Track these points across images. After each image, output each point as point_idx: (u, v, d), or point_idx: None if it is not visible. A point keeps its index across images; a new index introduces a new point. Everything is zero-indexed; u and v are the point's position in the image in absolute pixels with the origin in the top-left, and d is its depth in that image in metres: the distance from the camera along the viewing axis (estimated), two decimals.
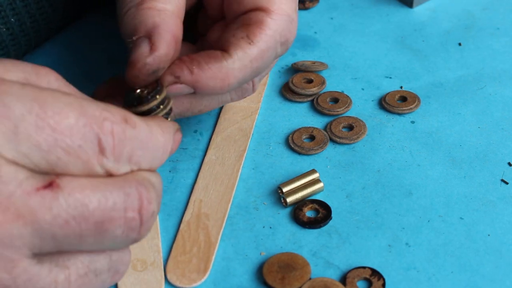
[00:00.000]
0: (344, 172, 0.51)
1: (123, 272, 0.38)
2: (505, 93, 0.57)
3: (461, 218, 0.48)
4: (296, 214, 0.48)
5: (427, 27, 0.64)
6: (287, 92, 0.57)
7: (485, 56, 0.61)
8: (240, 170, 0.51)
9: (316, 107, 0.56)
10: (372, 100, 0.57)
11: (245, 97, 0.50)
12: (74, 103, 0.34)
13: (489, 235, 0.47)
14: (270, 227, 0.48)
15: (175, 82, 0.43)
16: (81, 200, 0.34)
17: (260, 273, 0.45)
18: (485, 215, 0.48)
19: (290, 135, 0.54)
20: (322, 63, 0.60)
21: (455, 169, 0.51)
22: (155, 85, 0.43)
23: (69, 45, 0.62)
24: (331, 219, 0.48)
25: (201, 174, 0.51)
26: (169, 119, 0.42)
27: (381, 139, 0.54)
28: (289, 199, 0.49)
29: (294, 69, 0.59)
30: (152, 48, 0.43)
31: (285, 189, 0.49)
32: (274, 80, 0.59)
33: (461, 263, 0.45)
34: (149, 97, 0.41)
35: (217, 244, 0.46)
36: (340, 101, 0.56)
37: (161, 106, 0.42)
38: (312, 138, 0.54)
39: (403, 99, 0.56)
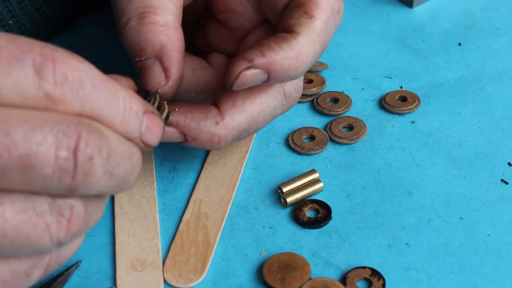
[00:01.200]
0: (344, 172, 0.51)
1: (71, 218, 0.36)
2: (505, 93, 0.57)
3: (461, 218, 0.48)
4: (296, 214, 0.48)
5: (427, 27, 0.64)
6: None
7: (485, 56, 0.61)
8: (241, 171, 0.51)
9: (316, 107, 0.56)
10: (372, 100, 0.57)
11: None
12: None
13: (489, 235, 0.47)
14: (270, 227, 0.48)
15: (249, 68, 0.43)
16: (4, 128, 0.33)
17: (260, 273, 0.45)
18: (485, 215, 0.48)
19: (290, 135, 0.54)
20: (322, 63, 0.60)
21: (455, 169, 0.51)
22: (146, 92, 0.42)
23: (69, 44, 0.62)
24: (331, 219, 0.48)
25: (202, 174, 0.51)
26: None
27: (381, 139, 0.54)
28: (289, 199, 0.49)
29: None
30: (166, 75, 0.43)
31: (285, 189, 0.49)
32: None
33: (461, 263, 0.45)
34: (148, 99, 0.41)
35: (215, 245, 0.46)
36: (340, 101, 0.56)
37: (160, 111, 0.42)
38: (312, 138, 0.54)
39: (403, 99, 0.56)
